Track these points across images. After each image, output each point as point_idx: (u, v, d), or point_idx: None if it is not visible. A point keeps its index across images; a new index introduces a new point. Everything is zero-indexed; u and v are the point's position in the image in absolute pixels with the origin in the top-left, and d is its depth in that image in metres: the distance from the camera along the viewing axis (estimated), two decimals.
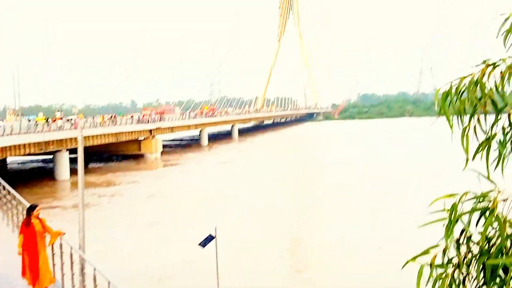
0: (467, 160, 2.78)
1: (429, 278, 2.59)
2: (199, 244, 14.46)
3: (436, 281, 2.57)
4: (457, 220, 2.56)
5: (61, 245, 10.88)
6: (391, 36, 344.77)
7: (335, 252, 22.00)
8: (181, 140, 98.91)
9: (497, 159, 2.76)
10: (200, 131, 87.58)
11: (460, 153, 2.79)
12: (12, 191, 14.96)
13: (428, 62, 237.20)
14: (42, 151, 46.99)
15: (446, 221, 2.58)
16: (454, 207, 2.56)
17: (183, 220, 28.60)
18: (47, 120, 56.42)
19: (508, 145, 2.74)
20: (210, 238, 14.19)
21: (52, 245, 11.11)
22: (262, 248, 22.50)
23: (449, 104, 2.78)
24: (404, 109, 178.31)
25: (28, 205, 11.54)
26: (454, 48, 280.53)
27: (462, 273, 2.57)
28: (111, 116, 66.68)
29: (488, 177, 2.64)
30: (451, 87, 2.78)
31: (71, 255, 10.11)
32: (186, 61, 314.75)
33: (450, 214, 2.56)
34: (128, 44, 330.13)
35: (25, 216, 10.98)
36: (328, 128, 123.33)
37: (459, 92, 2.77)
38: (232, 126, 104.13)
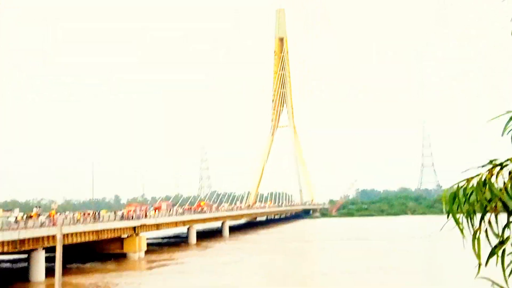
0: (479, 266, 2.76)
1: None
2: None
3: None
4: None
5: None
6: (390, 130, 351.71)
7: None
8: (167, 238, 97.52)
9: None
10: (188, 228, 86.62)
11: (472, 257, 2.77)
12: None
13: (429, 158, 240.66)
14: (16, 250, 46.03)
15: None
16: None
17: None
18: (23, 216, 55.81)
19: None
20: None
21: None
22: None
23: (457, 207, 2.79)
24: (405, 206, 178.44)
25: None
26: (456, 143, 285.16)
27: None
28: (94, 213, 66.10)
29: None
30: (458, 189, 2.80)
31: None
32: (173, 154, 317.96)
33: None
34: (128, 44, 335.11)
35: None
36: (325, 228, 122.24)
37: (467, 194, 2.78)
38: (223, 223, 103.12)
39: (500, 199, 2.75)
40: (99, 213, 65.58)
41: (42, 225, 49.29)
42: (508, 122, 2.86)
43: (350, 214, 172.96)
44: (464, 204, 2.78)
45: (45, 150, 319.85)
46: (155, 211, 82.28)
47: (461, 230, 2.76)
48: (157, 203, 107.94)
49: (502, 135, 2.87)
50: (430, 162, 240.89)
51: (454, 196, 2.78)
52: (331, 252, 66.07)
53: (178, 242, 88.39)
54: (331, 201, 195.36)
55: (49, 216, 56.69)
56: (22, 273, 49.27)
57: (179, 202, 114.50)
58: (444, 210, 2.80)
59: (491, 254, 2.73)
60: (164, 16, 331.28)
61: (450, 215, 2.81)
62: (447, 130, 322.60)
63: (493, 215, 2.80)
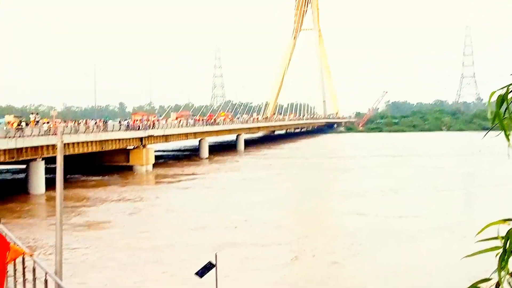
0: None
1: None
2: (196, 273, 14.38)
3: None
4: None
5: (34, 269, 10.86)
6: (427, 35, 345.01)
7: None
8: (176, 151, 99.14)
9: None
10: (200, 141, 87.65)
11: None
12: None
13: (470, 67, 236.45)
14: (14, 160, 47.13)
15: (500, 251, 2.52)
16: (510, 234, 2.50)
17: (181, 245, 28.54)
18: (20, 123, 56.48)
19: None
20: (209, 267, 14.09)
21: (24, 270, 11.17)
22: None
23: (505, 111, 2.71)
24: (441, 121, 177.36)
25: None
26: (501, 52, 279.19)
27: None
28: (104, 121, 67.19)
29: None
30: (507, 91, 2.71)
31: (46, 281, 10.08)
32: (184, 57, 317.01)
33: (505, 243, 2.50)
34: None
35: None
36: (352, 143, 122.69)
37: None
38: (238, 136, 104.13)
39: None
40: (106, 122, 66.61)
41: (41, 133, 49.98)
42: None
43: (378, 129, 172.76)
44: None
45: (44, 50, 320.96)
46: (177, 119, 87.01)
47: (507, 136, 2.70)
48: (179, 112, 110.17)
49: None
50: (471, 73, 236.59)
51: (502, 99, 2.69)
52: (367, 169, 65.86)
53: (188, 155, 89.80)
54: (358, 114, 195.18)
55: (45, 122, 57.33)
56: (21, 185, 50.70)
57: (191, 111, 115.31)
58: (489, 114, 2.72)
59: None
60: None
61: (496, 121, 2.74)
62: (492, 38, 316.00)
63: None
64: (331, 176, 61.67)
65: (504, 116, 2.72)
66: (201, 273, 14.22)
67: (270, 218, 35.72)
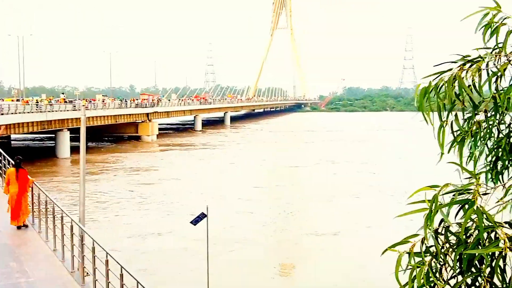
0: (441, 154, 2.73)
1: (407, 266, 2.53)
2: (191, 222, 14.34)
3: (414, 269, 2.50)
4: (437, 211, 2.49)
5: (62, 217, 10.83)
6: (376, 35, 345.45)
7: (313, 240, 21.64)
8: (176, 124, 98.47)
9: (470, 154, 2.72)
10: (195, 117, 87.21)
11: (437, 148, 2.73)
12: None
13: (410, 60, 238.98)
14: (44, 130, 46.55)
15: (426, 212, 2.52)
16: (435, 198, 2.49)
17: (176, 198, 28.54)
18: (50, 101, 55.82)
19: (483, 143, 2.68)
20: (202, 217, 14.05)
21: (54, 218, 11.19)
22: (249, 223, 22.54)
23: (427, 100, 2.70)
24: (386, 103, 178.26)
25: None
26: (438, 49, 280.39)
27: (440, 263, 2.52)
28: (125, 100, 67.10)
29: (469, 171, 2.59)
30: (430, 84, 2.70)
31: (71, 227, 10.06)
32: (182, 47, 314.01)
33: (431, 205, 2.49)
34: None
35: (13, 167, 12.85)
36: (314, 120, 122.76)
37: (438, 87, 2.68)
38: (225, 113, 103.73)
39: (468, 94, 2.65)
40: (126, 101, 66.35)
41: (66, 109, 49.30)
42: (482, 19, 2.68)
43: (336, 109, 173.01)
44: (434, 97, 2.69)
45: (67, 40, 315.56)
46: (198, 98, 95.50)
47: (427, 120, 2.70)
48: (202, 94, 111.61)
49: (475, 32, 2.70)
50: (411, 65, 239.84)
51: (425, 91, 2.69)
52: (315, 144, 66.11)
53: (185, 128, 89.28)
54: (321, 97, 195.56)
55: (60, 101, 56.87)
56: (51, 150, 50.11)
57: (187, 93, 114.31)
58: (415, 103, 2.72)
59: (453, 143, 2.70)
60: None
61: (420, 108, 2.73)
62: (431, 37, 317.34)
63: (460, 111, 2.72)
64: (314, 146, 60.99)
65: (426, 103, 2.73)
66: (195, 221, 14.16)
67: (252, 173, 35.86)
